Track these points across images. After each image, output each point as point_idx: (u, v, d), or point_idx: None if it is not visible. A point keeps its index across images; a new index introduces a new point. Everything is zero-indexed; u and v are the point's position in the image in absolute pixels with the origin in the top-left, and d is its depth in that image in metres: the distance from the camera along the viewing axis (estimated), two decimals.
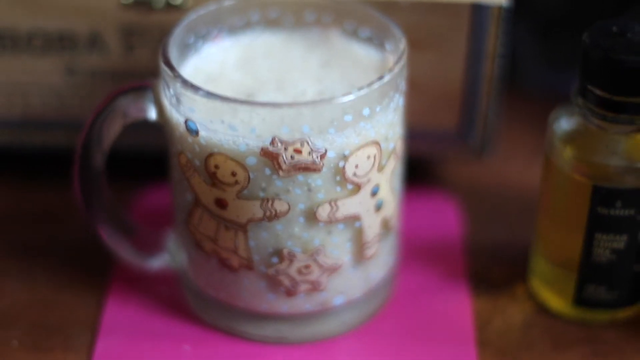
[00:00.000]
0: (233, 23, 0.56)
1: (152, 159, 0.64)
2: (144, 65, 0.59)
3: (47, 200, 0.64)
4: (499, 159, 0.66)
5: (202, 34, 0.55)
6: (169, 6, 0.58)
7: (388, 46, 0.54)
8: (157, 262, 0.58)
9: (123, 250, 0.57)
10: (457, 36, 0.58)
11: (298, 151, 0.49)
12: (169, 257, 0.57)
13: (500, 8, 0.57)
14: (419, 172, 0.65)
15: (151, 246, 0.57)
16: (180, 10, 0.57)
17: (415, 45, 0.56)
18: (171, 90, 0.51)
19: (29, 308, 0.58)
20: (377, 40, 0.55)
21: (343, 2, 0.56)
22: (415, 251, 0.61)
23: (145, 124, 0.59)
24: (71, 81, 0.60)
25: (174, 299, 0.58)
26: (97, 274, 0.60)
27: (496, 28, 0.58)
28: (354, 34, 0.56)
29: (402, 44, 0.52)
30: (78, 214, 0.61)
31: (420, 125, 0.60)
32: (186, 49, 0.55)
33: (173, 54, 0.52)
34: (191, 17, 0.54)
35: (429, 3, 0.58)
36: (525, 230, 0.61)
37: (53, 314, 0.57)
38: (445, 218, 0.63)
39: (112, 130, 0.53)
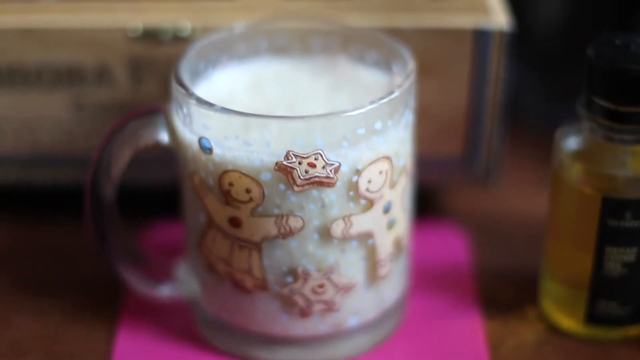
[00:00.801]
0: (241, 51, 0.57)
1: (159, 196, 0.64)
2: (152, 98, 0.60)
3: (56, 237, 0.64)
4: (503, 188, 0.67)
5: (212, 61, 0.56)
6: (177, 38, 0.59)
7: (395, 68, 0.55)
8: (168, 291, 0.57)
9: (134, 279, 0.57)
10: (460, 62, 0.60)
11: (312, 165, 0.50)
12: (180, 286, 0.57)
13: (502, 33, 0.59)
14: (426, 201, 0.65)
15: (162, 275, 0.57)
16: (187, 42, 0.58)
17: (419, 71, 0.57)
18: (184, 110, 0.51)
19: (40, 339, 0.58)
20: (385, 63, 0.56)
21: (349, 28, 0.57)
22: (425, 277, 0.61)
23: (153, 159, 0.60)
24: (79, 116, 0.61)
25: (185, 328, 0.58)
26: (108, 307, 0.60)
27: (499, 53, 0.59)
28: (360, 59, 0.57)
29: (411, 64, 0.53)
30: (87, 250, 0.62)
31: (426, 153, 0.61)
32: (196, 76, 0.55)
33: (185, 77, 0.53)
34: (202, 42, 0.55)
35: (431, 29, 0.59)
36: (532, 255, 0.62)
37: (64, 344, 0.57)
38: (453, 245, 0.64)
39: (123, 156, 0.54)
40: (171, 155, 0.56)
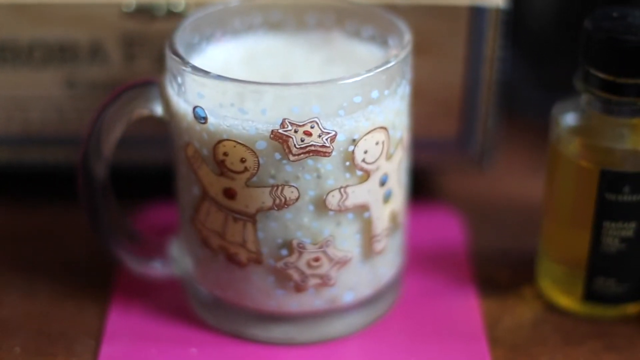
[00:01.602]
0: (236, 25, 0.57)
1: (152, 178, 0.64)
2: (145, 76, 0.59)
3: (47, 217, 0.64)
4: (498, 170, 0.66)
5: (206, 35, 0.56)
6: (171, 14, 0.58)
7: (391, 42, 0.55)
8: (161, 269, 0.57)
9: (127, 257, 0.56)
10: (455, 40, 0.59)
11: (308, 133, 0.49)
12: (173, 263, 0.57)
13: (498, 10, 0.58)
14: (421, 183, 0.65)
15: (155, 253, 0.57)
16: (181, 17, 0.58)
17: (414, 49, 0.57)
18: (178, 80, 0.51)
19: (31, 317, 0.57)
20: (380, 38, 0.56)
21: (344, 3, 0.57)
22: (420, 258, 0.61)
23: (146, 139, 0.60)
24: (71, 94, 0.60)
25: (178, 305, 0.57)
26: (99, 286, 0.59)
27: (494, 31, 0.59)
28: (356, 34, 0.57)
29: (407, 35, 0.53)
30: (79, 230, 0.61)
31: (421, 133, 0.60)
32: (190, 49, 0.55)
33: (180, 50, 0.52)
34: (197, 15, 0.55)
35: (426, 6, 0.58)
36: (528, 236, 0.61)
37: (55, 322, 0.56)
38: (448, 227, 0.63)
39: (116, 129, 0.53)
40: (164, 136, 0.55)
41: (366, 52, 0.56)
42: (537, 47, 0.73)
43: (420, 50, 0.58)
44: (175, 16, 0.58)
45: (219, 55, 0.56)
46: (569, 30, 0.70)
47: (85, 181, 0.54)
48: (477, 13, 0.58)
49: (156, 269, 0.57)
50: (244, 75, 0.54)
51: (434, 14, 0.59)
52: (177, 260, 0.57)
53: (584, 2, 0.70)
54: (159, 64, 0.59)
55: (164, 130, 0.55)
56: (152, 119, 0.54)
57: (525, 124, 0.72)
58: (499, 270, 0.60)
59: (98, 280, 0.59)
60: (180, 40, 0.53)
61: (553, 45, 0.72)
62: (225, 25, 0.57)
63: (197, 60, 0.55)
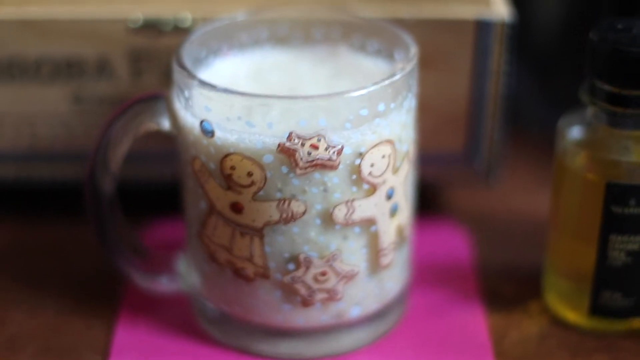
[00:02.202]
0: (243, 40, 0.57)
1: (159, 194, 0.64)
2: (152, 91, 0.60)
3: (55, 232, 0.64)
4: (504, 185, 0.66)
5: (213, 49, 0.56)
6: (177, 29, 0.59)
7: (397, 56, 0.55)
8: (168, 284, 0.57)
9: (134, 272, 0.56)
10: (461, 54, 0.59)
11: (315, 147, 0.49)
12: (180, 279, 0.57)
13: (503, 24, 0.59)
14: (427, 198, 0.65)
15: (162, 268, 0.57)
16: (188, 33, 0.58)
17: (420, 63, 0.57)
18: (186, 94, 0.51)
19: (39, 332, 0.57)
20: (386, 52, 0.56)
21: (350, 17, 0.57)
22: (427, 273, 0.61)
23: (153, 155, 0.60)
24: (78, 109, 0.61)
25: (185, 321, 0.57)
26: (106, 301, 0.59)
27: (500, 45, 0.59)
28: (362, 48, 0.57)
29: (413, 48, 0.53)
30: (86, 245, 0.61)
31: (427, 148, 0.61)
32: (197, 63, 0.55)
33: (187, 64, 0.52)
34: (204, 29, 0.55)
35: (433, 20, 0.59)
36: (534, 251, 0.61)
37: (63, 337, 0.57)
38: (454, 242, 0.63)
39: (124, 143, 0.53)
40: (171, 151, 0.55)
41: (372, 66, 0.56)
42: (543, 61, 0.73)
43: (426, 64, 0.58)
44: (182, 31, 0.58)
45: (226, 69, 0.56)
46: (574, 45, 0.70)
47: (92, 196, 0.54)
48: (482, 27, 0.59)
49: (163, 284, 0.57)
50: (251, 90, 0.54)
51: (440, 28, 0.59)
52: (184, 275, 0.57)
53: (588, 16, 0.70)
54: (166, 79, 0.59)
55: (171, 145, 0.55)
56: (159, 134, 0.54)
57: (531, 138, 0.72)
58: (505, 285, 0.60)
59: (105, 296, 0.59)
60: (187, 54, 0.53)
61: (558, 60, 0.73)
62: (232, 39, 0.57)
63: (204, 75, 0.55)
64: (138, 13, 0.58)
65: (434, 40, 0.59)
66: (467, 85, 0.60)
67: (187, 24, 0.58)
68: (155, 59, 0.59)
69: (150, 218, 0.65)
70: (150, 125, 0.53)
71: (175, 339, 0.56)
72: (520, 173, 0.69)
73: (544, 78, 0.73)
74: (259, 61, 0.57)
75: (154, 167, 0.62)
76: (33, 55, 0.59)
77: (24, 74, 0.60)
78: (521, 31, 0.63)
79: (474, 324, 0.57)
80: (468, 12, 0.58)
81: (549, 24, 0.73)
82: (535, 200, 0.66)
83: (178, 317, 0.58)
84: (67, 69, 0.60)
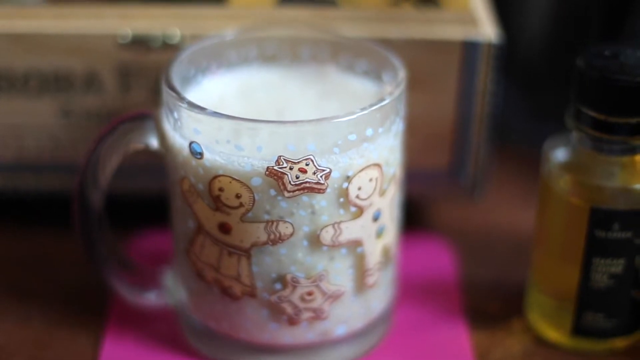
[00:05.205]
0: (231, 58, 0.57)
1: (147, 205, 0.64)
2: (140, 106, 0.60)
3: (42, 244, 0.64)
4: (490, 202, 0.67)
5: (202, 68, 0.56)
6: (166, 45, 0.59)
7: (385, 77, 0.55)
8: (155, 299, 0.57)
9: (121, 286, 0.56)
10: (448, 74, 0.60)
11: (303, 170, 0.49)
12: (167, 293, 0.57)
13: (490, 45, 0.59)
14: (412, 214, 0.66)
15: (149, 283, 0.57)
16: (176, 49, 0.58)
17: (408, 83, 0.57)
18: (175, 115, 0.51)
19: (26, 344, 0.57)
20: (374, 73, 0.56)
21: (339, 37, 0.57)
22: (411, 289, 0.61)
23: (141, 167, 0.60)
24: (66, 123, 0.61)
25: (172, 336, 0.58)
26: (94, 314, 0.59)
27: (487, 65, 0.59)
28: (350, 69, 0.57)
29: (402, 72, 0.53)
30: (74, 257, 0.62)
31: (413, 165, 0.61)
32: (186, 82, 0.55)
33: (175, 83, 0.53)
34: (192, 48, 0.55)
35: (420, 40, 0.59)
36: (518, 268, 0.62)
37: (50, 350, 0.57)
38: (439, 258, 0.64)
39: (112, 160, 0.53)
40: (159, 164, 0.56)
41: (360, 87, 0.56)
42: (529, 78, 0.74)
43: (413, 84, 0.58)
44: (170, 48, 0.59)
45: (215, 88, 0.56)
46: (560, 62, 0.71)
47: (81, 211, 0.54)
48: (470, 48, 0.59)
49: (150, 299, 0.57)
50: (240, 109, 0.55)
51: (427, 49, 0.59)
52: (171, 291, 0.57)
53: (575, 34, 0.71)
54: (154, 95, 0.59)
55: (158, 159, 0.55)
56: (148, 150, 0.54)
57: (517, 154, 0.73)
58: (489, 302, 0.61)
59: (92, 308, 0.59)
60: (176, 73, 0.53)
61: (545, 77, 0.73)
62: (220, 57, 0.57)
63: (193, 94, 0.55)
64: (127, 29, 0.59)
65: (422, 60, 0.59)
66: (454, 105, 0.61)
67: (176, 40, 0.59)
68: (143, 74, 0.59)
69: (137, 229, 0.65)
70: (139, 144, 0.53)
71: (162, 353, 0.57)
72: (505, 189, 0.70)
73: (530, 94, 0.74)
74: (248, 80, 0.57)
75: (140, 179, 0.62)
76: (21, 69, 0.59)
77: (12, 87, 0.60)
78: (508, 48, 0.63)
79: (457, 341, 0.58)
80: (456, 33, 0.59)
81: (536, 42, 0.73)
82: (520, 217, 0.66)
83: (165, 331, 0.58)
84: (55, 83, 0.60)
